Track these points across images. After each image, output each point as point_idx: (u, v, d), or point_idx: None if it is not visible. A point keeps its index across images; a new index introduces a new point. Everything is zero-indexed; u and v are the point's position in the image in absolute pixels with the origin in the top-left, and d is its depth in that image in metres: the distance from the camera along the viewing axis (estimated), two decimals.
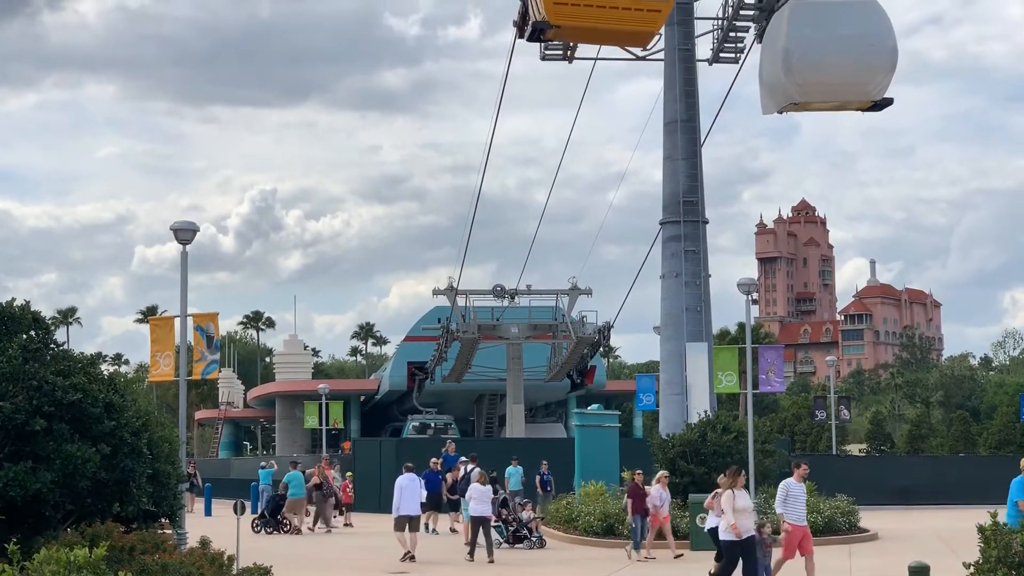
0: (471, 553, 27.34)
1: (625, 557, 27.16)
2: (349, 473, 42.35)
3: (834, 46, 30.77)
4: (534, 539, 30.10)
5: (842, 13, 30.86)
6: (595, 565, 26.58)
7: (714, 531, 21.16)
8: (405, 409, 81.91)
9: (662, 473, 28.51)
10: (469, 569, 26.34)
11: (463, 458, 36.99)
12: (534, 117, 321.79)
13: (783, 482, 20.81)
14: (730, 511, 19.23)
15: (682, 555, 27.20)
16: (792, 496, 20.40)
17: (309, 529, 37.03)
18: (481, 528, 27.39)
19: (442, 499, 35.26)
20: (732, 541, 19.42)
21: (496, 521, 30.78)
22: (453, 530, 34.58)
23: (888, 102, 31.51)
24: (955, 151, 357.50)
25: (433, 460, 35.51)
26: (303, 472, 37.77)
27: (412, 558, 26.79)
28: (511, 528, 30.39)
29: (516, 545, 30.08)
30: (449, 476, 35.29)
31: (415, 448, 50.83)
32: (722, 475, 21.13)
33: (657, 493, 27.61)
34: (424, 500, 30.15)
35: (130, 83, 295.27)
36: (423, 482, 31.83)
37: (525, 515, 30.64)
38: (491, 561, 26.61)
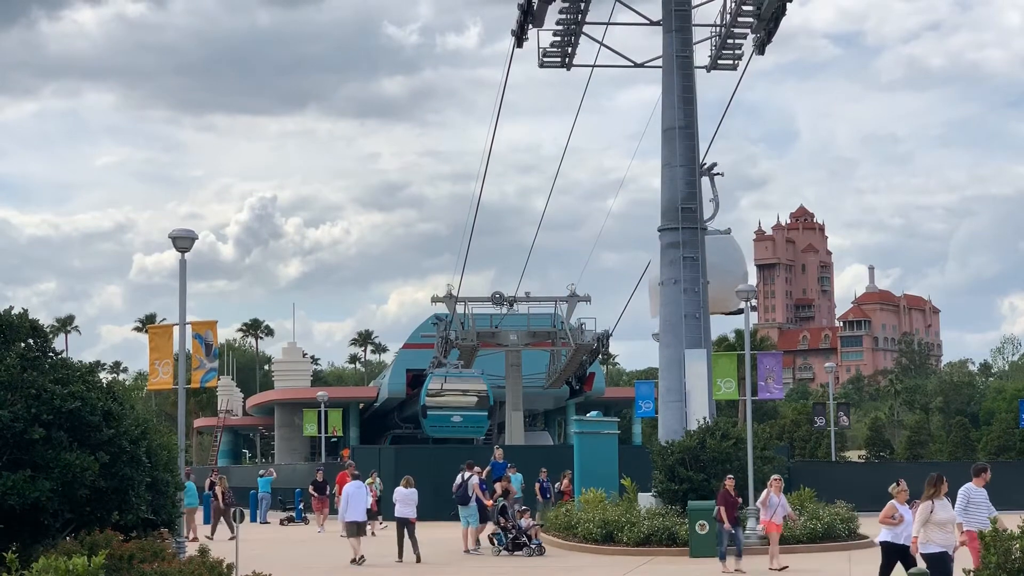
0: (400, 555, 28.89)
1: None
2: (370, 480, 39.97)
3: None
4: (533, 546, 30.07)
5: (707, 246, 37.83)
6: (595, 572, 26.57)
7: (888, 545, 19.35)
8: (405, 416, 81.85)
9: (775, 477, 26.61)
10: (466, 570, 26.37)
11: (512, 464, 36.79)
12: (533, 124, 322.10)
13: (963, 488, 19.05)
14: (920, 524, 17.57)
15: (787, 567, 25.79)
16: (973, 503, 18.89)
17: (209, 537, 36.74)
18: (406, 529, 29.02)
19: (486, 511, 32.27)
20: (938, 553, 17.43)
21: (495, 528, 30.82)
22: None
23: (741, 311, 37.03)
24: (953, 157, 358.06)
25: (477, 469, 33.12)
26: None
27: (363, 559, 28.19)
28: (510, 535, 30.37)
29: (515, 552, 30.07)
30: (498, 485, 32.97)
31: (417, 456, 50.79)
32: (893, 484, 19.46)
33: (768, 497, 26.07)
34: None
35: (129, 92, 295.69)
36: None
37: (524, 522, 30.61)
38: (418, 561, 28.42)
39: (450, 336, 56.79)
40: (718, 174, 42.18)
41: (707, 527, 28.54)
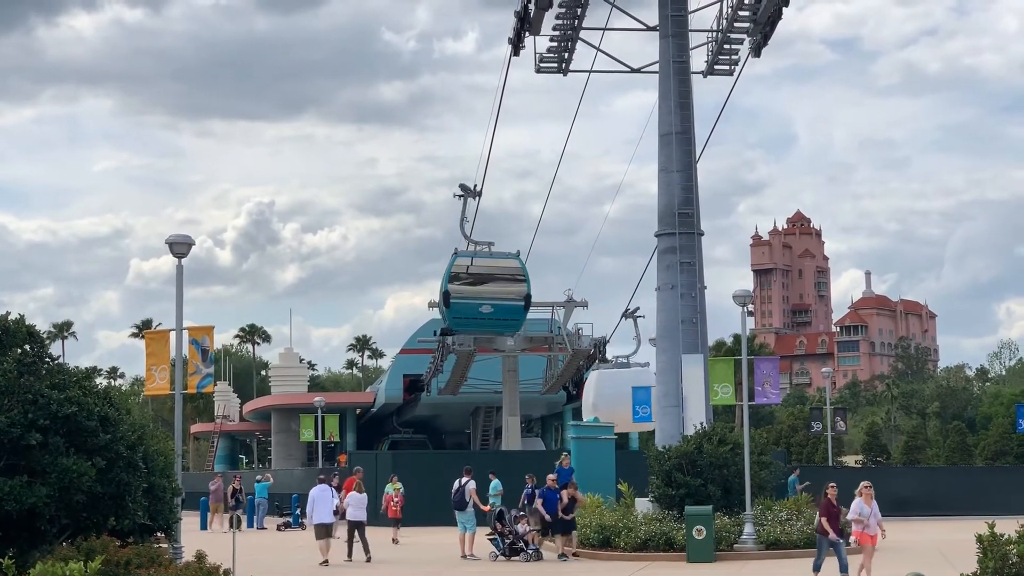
0: (350, 555, 30.37)
1: None
2: (397, 486, 37.88)
3: (623, 399, 45.64)
4: (530, 551, 30.04)
5: (626, 377, 47.81)
6: None
7: None
8: (403, 420, 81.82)
9: (865, 484, 24.33)
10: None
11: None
12: (530, 130, 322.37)
13: None
14: None
15: None
16: None
17: None
18: (357, 531, 30.61)
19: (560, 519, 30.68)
20: None
21: (492, 534, 30.77)
22: (562, 555, 30.34)
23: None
24: (950, 162, 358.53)
25: (551, 476, 31.76)
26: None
27: (326, 563, 28.85)
28: (507, 541, 30.34)
29: (513, 558, 30.04)
30: (564, 493, 30.93)
31: (415, 461, 50.73)
32: None
33: (858, 507, 23.86)
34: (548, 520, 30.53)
35: (127, 97, 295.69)
36: (541, 501, 30.80)
37: (521, 528, 30.58)
38: (368, 560, 29.73)
39: (447, 341, 56.65)
40: (640, 316, 51.83)
41: (704, 532, 28.53)
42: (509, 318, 51.31)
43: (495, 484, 36.32)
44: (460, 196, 50.62)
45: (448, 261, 50.96)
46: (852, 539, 24.06)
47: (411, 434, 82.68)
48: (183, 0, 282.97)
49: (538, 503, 31.02)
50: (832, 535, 24.07)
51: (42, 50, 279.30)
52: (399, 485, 37.89)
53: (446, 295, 50.21)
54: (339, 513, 32.38)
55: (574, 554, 30.56)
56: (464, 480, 32.25)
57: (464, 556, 30.80)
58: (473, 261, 50.19)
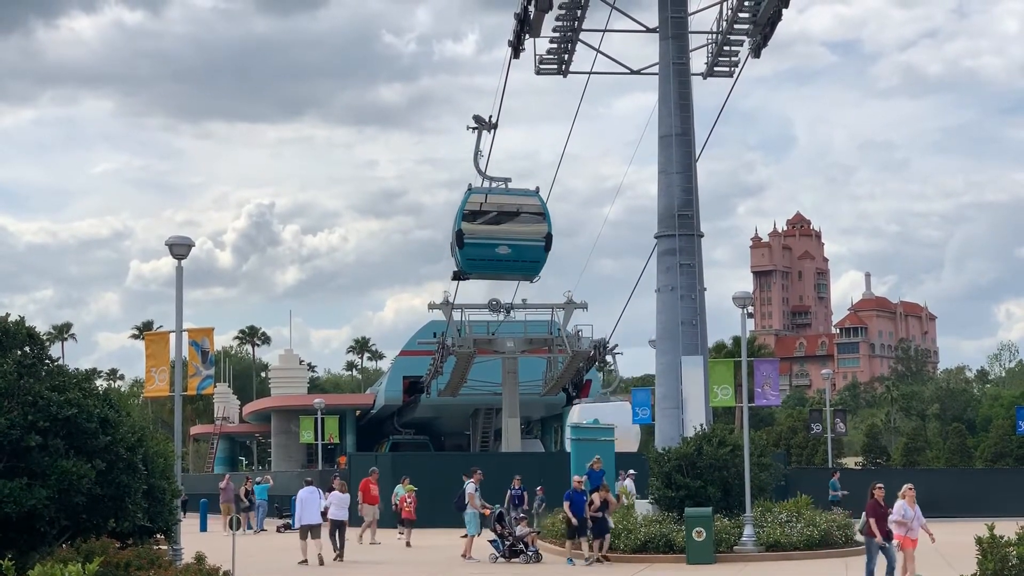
0: (338, 553, 31.02)
1: None
2: (411, 487, 37.61)
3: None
4: (530, 553, 30.03)
5: (606, 411, 48.80)
6: None
7: None
8: (404, 422, 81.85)
9: (908, 486, 23.39)
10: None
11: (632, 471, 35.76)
12: (530, 131, 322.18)
13: None
14: None
15: None
16: None
17: None
18: (337, 530, 31.48)
19: (587, 522, 29.35)
20: None
21: (492, 536, 30.77)
22: (605, 558, 29.28)
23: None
24: (950, 164, 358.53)
25: (576, 478, 31.02)
26: None
27: (316, 561, 29.49)
28: (507, 542, 30.32)
29: (512, 559, 30.02)
30: (595, 496, 29.71)
31: (414, 463, 50.74)
32: None
33: (902, 508, 23.01)
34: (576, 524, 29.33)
35: (127, 99, 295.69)
36: (568, 504, 29.56)
37: (521, 529, 30.56)
38: (341, 560, 30.57)
39: (447, 343, 56.70)
40: (619, 353, 53.46)
41: (703, 534, 28.53)
42: (528, 259, 47.76)
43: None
44: (474, 128, 46.98)
45: (462, 198, 47.29)
46: (895, 542, 23.07)
47: (412, 435, 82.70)
48: (183, 2, 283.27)
49: (565, 506, 29.79)
50: (879, 538, 23.05)
51: (42, 52, 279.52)
52: (412, 487, 37.80)
53: (459, 235, 46.50)
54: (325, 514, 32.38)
55: (604, 557, 29.29)
56: (467, 481, 32.31)
57: (463, 556, 30.82)
58: (488, 198, 46.56)
